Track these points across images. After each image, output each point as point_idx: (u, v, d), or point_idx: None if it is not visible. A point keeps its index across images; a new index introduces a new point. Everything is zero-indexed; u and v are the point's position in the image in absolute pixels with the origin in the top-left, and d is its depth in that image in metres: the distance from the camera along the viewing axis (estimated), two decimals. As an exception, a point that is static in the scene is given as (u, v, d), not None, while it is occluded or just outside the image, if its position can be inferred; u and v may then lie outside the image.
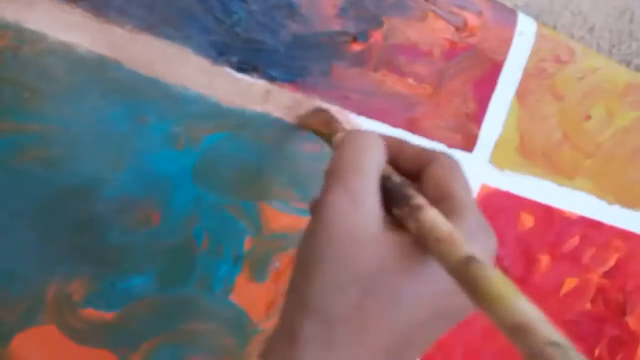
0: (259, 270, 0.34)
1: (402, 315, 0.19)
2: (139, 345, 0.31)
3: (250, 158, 0.32)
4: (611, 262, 0.45)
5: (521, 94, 0.38)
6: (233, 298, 0.34)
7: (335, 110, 0.33)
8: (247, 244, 0.33)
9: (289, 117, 0.33)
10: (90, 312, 0.30)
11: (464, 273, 0.17)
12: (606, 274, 0.45)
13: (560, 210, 0.42)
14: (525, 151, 0.39)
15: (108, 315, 0.30)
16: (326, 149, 0.32)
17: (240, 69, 0.31)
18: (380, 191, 0.21)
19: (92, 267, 0.30)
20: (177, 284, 0.32)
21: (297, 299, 0.20)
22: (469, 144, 0.38)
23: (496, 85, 0.37)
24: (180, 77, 0.30)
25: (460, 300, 0.20)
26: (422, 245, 0.20)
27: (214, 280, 0.33)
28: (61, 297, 0.29)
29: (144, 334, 0.32)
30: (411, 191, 0.21)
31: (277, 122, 0.32)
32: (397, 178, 0.22)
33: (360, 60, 0.33)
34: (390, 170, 0.23)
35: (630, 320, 0.47)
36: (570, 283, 0.44)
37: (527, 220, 0.41)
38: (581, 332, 0.45)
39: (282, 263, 0.35)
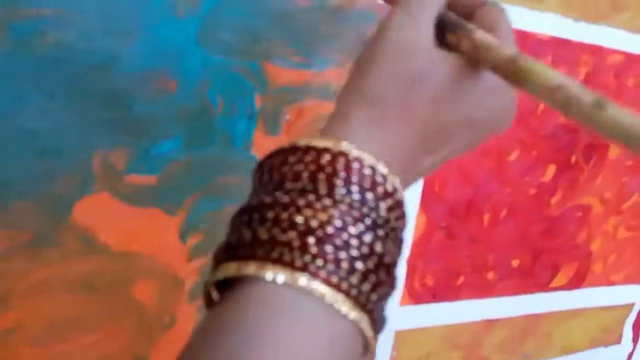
0: (272, 124, 0.38)
1: (441, 113, 0.23)
2: (183, 200, 0.36)
3: (247, 18, 0.35)
4: (581, 76, 0.49)
5: None
6: (253, 152, 0.38)
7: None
8: (258, 101, 0.37)
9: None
10: (135, 178, 0.34)
11: (512, 65, 0.21)
12: (577, 89, 0.49)
13: (533, 33, 0.45)
14: (496, -21, 0.42)
15: (151, 178, 0.34)
16: (320, 2, 0.35)
17: None
18: (436, 26, 0.25)
19: (125, 138, 0.33)
20: (203, 144, 0.36)
21: (354, 88, 0.23)
22: (444, -21, 0.40)
23: None
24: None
25: (491, 118, 0.25)
26: (473, 57, 0.23)
27: (234, 138, 0.37)
28: (106, 167, 0.33)
29: (184, 191, 0.36)
30: (465, 21, 0.25)
31: (266, -20, 0.34)
32: (452, 14, 0.26)
33: None
34: (447, 10, 0.26)
35: (601, 128, 0.52)
36: (546, 100, 0.48)
37: (504, 47, 0.44)
38: (559, 143, 0.51)
39: (292, 115, 0.38)
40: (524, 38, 0.45)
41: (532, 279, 0.55)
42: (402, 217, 0.22)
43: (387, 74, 0.23)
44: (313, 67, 0.38)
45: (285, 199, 0.20)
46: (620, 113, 0.19)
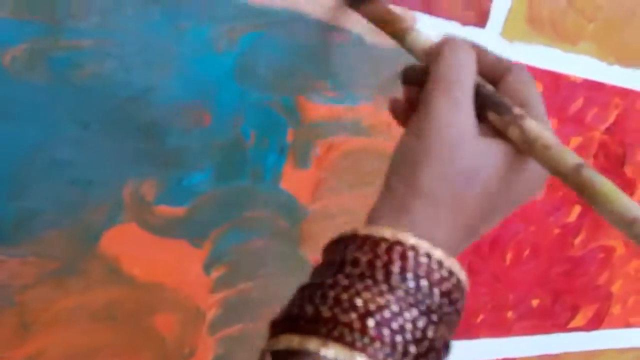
0: (302, 158, 0.37)
1: (490, 201, 0.24)
2: (209, 233, 0.35)
3: (284, 55, 0.34)
4: (611, 119, 0.49)
5: (529, -36, 0.39)
6: (283, 185, 0.37)
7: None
8: (290, 135, 0.36)
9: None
10: (164, 209, 0.34)
11: (577, 176, 0.21)
12: (607, 130, 0.49)
13: (566, 75, 0.45)
14: (533, 20, 0.41)
15: (179, 210, 0.34)
16: (355, 39, 0.34)
17: (266, -34, 0.32)
18: (474, 99, 0.25)
19: (157, 169, 0.33)
20: (233, 177, 0.35)
21: (407, 184, 0.24)
22: (481, 20, 0.40)
23: (505, -43, 0.38)
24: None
25: (530, 191, 0.25)
26: (522, 150, 0.24)
27: (265, 171, 0.36)
28: (136, 197, 0.33)
29: (211, 224, 0.35)
30: (508, 100, 0.24)
31: (306, 18, 0.34)
32: (489, 86, 0.25)
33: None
34: (480, 79, 0.25)
35: (628, 170, 0.52)
36: (575, 141, 0.48)
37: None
38: (586, 185, 0.50)
39: (322, 149, 0.38)
40: (557, 80, 0.44)
41: (551, 319, 0.54)
42: (458, 299, 0.22)
43: (439, 171, 0.23)
44: (346, 102, 0.38)
45: (345, 281, 0.21)
46: None
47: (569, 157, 0.22)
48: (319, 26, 0.35)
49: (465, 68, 0.25)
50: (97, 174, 0.31)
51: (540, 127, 0.23)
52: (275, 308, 0.40)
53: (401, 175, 0.24)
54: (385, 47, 0.37)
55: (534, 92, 0.26)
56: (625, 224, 0.20)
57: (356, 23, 0.35)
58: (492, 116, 0.24)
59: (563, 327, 0.55)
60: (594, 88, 0.46)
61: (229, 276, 0.37)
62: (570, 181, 0.22)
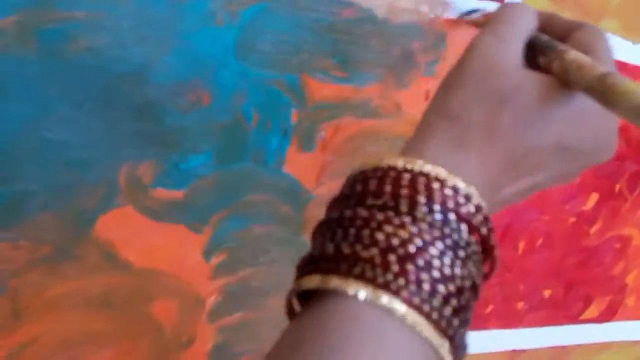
0: (307, 141, 0.36)
1: (529, 135, 0.22)
2: (209, 218, 0.34)
3: (288, 29, 0.32)
4: None
5: None
6: (286, 169, 0.36)
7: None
8: (294, 116, 0.35)
9: None
10: (162, 192, 0.32)
11: (603, 83, 0.20)
12: (628, 115, 0.46)
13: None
14: (554, -3, 0.39)
15: (178, 193, 0.33)
16: (366, 14, 0.32)
17: None
18: (527, 49, 0.24)
19: (155, 151, 0.31)
20: (234, 160, 0.34)
21: (438, 107, 0.23)
22: (499, -5, 0.37)
23: None
24: (210, -51, 0.29)
25: (589, 144, 0.23)
26: (564, 78, 0.22)
27: (267, 154, 0.35)
28: (133, 180, 0.31)
29: (211, 208, 0.34)
30: (558, 42, 0.24)
31: (311, -11, 0.32)
32: (545, 36, 0.25)
33: None
34: (539, 33, 0.25)
35: (650, 157, 0.50)
36: (595, 127, 0.45)
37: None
38: (604, 171, 0.48)
39: (328, 132, 0.36)
40: (622, 69, 0.42)
41: (564, 310, 0.52)
42: (486, 238, 0.21)
43: (472, 93, 0.22)
44: (354, 82, 0.36)
45: (366, 213, 0.20)
46: None
47: (598, 69, 0.21)
48: (326, 0, 0.33)
49: (520, 18, 0.24)
50: (92, 155, 0.30)
51: (581, 55, 0.22)
52: (277, 296, 0.38)
53: (433, 103, 0.23)
54: (397, 23, 0.35)
55: (604, 44, 0.24)
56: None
57: (366, -3, 0.33)
58: (541, 59, 0.24)
59: (575, 319, 0.54)
60: (618, 68, 0.44)
61: (229, 263, 0.36)
62: (598, 93, 0.20)
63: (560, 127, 0.22)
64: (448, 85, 0.23)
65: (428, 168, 0.20)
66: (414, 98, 0.38)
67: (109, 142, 0.30)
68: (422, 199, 0.20)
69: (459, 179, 0.20)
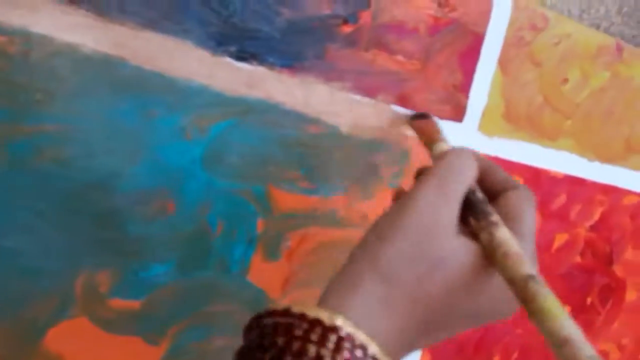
0: (272, 250, 0.36)
1: (451, 303, 0.23)
2: (167, 329, 0.33)
3: (256, 143, 0.34)
4: (596, 216, 0.48)
5: (503, 63, 0.40)
6: (250, 278, 0.35)
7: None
8: (260, 226, 0.35)
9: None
10: (118, 302, 0.31)
11: (524, 287, 0.20)
12: (592, 228, 0.48)
13: (547, 170, 0.44)
14: (510, 117, 0.42)
15: (135, 303, 0.32)
16: (331, 130, 0.34)
17: (240, 57, 0.32)
18: (462, 202, 0.25)
19: (115, 259, 0.31)
20: (197, 269, 0.33)
21: (368, 259, 0.23)
22: (458, 115, 0.40)
23: (479, 56, 0.39)
24: (183, 70, 0.31)
25: (497, 310, 0.24)
26: (488, 255, 0.23)
27: (231, 263, 0.34)
28: (89, 289, 0.30)
29: (170, 319, 0.33)
30: (491, 208, 0.25)
31: (279, 107, 0.34)
32: (480, 194, 0.26)
33: (351, 41, 0.35)
34: (476, 186, 0.26)
35: (617, 269, 0.50)
36: (560, 239, 0.46)
37: (517, 182, 0.43)
38: (574, 284, 0.48)
39: (294, 241, 0.36)
40: (538, 175, 0.44)
41: None
42: None
43: (406, 253, 0.22)
44: (320, 193, 0.37)
45: None
46: None
47: (524, 268, 0.21)
48: (293, 116, 0.35)
49: (462, 172, 0.25)
50: (48, 263, 0.29)
51: (509, 237, 0.23)
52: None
53: (364, 250, 0.23)
54: (360, 137, 0.37)
55: (530, 212, 0.25)
56: (556, 343, 0.19)
57: (332, 115, 0.35)
58: (472, 221, 0.24)
59: None
60: (576, 184, 0.46)
61: (186, 378, 0.34)
62: (518, 292, 0.21)
63: (479, 299, 0.23)
64: (383, 236, 0.23)
65: (341, 323, 0.20)
66: (380, 208, 0.38)
67: (67, 250, 0.30)
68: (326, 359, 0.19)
69: (374, 337, 0.20)
